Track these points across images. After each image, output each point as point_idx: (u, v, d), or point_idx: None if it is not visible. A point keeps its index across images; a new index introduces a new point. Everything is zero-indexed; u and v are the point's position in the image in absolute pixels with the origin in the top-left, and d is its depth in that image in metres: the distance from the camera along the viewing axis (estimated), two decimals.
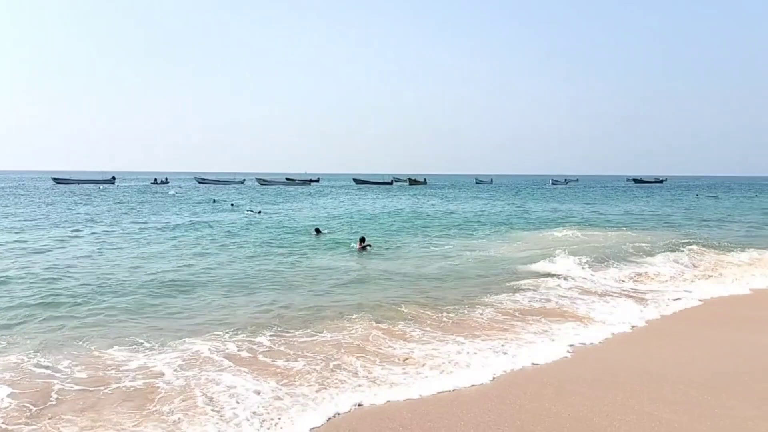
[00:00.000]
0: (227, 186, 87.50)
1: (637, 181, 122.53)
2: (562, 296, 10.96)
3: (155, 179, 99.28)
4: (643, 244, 17.82)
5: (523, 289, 11.42)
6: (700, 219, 29.92)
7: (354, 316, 9.14)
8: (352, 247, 17.84)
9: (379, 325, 8.66)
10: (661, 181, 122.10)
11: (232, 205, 42.63)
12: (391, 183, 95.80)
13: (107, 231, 21.88)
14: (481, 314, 9.46)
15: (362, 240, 18.04)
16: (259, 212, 31.15)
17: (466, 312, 9.59)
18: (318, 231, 21.67)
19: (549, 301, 10.53)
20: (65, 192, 57.10)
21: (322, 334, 8.15)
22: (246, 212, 31.12)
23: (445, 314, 9.41)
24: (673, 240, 19.34)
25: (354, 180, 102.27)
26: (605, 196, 59.01)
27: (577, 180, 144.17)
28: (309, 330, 8.33)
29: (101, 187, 72.81)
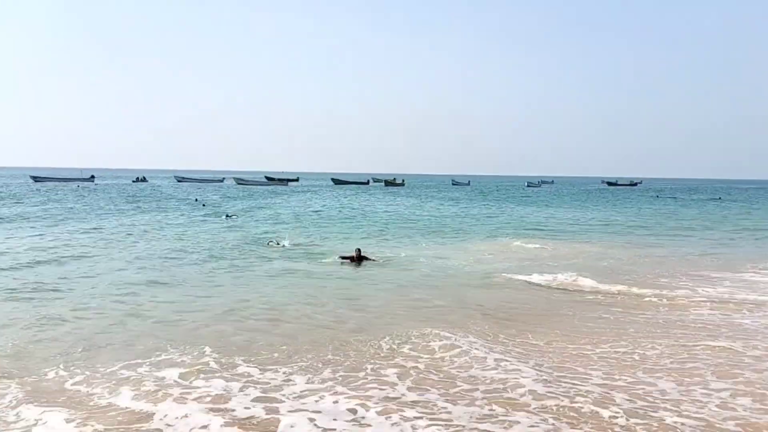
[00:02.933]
0: (206, 185, 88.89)
1: (610, 183, 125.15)
2: None
3: (137, 177, 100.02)
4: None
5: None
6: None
7: None
8: (335, 260, 16.04)
9: None
10: (635, 184, 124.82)
11: (197, 201, 44.11)
12: (367, 183, 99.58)
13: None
14: None
15: (358, 252, 16.02)
16: (228, 216, 31.36)
17: None
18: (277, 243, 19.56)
19: None
20: (42, 190, 58.17)
21: None
22: (224, 218, 30.82)
23: None
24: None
25: (332, 180, 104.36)
26: (576, 201, 60.92)
27: (552, 182, 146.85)
28: None
29: (79, 185, 73.54)
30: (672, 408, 6.35)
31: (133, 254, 17.33)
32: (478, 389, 6.83)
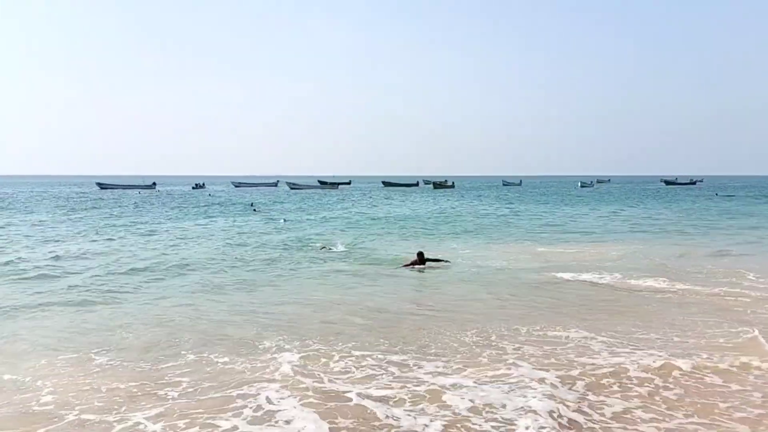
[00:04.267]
0: (261, 189, 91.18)
1: (668, 183, 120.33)
2: None
3: (196, 184, 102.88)
4: None
5: None
6: None
7: None
8: (398, 265, 15.38)
9: None
10: (694, 183, 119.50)
11: (251, 206, 45.15)
12: (416, 184, 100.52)
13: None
14: None
15: (420, 255, 15.26)
16: (285, 221, 31.68)
17: None
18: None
19: None
20: (112, 197, 61.04)
21: None
22: (282, 221, 31.50)
23: None
24: None
25: (383, 182, 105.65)
26: (627, 199, 59.28)
27: (609, 181, 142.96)
28: None
29: (141, 192, 76.57)
30: None
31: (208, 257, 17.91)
32: (586, 374, 7.19)
